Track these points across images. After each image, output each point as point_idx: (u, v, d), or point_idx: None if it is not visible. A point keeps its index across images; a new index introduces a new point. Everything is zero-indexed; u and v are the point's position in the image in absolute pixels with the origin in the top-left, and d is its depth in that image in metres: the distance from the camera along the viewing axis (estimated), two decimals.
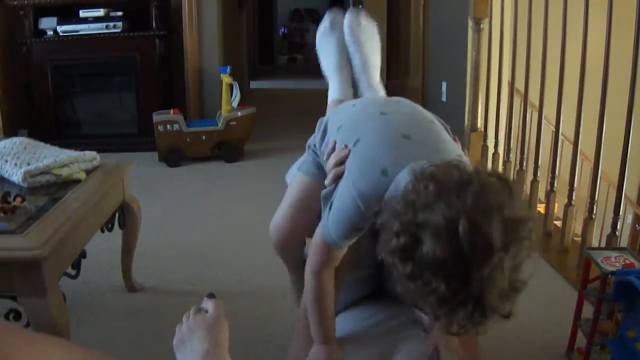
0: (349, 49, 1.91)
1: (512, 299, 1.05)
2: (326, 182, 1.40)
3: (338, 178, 1.35)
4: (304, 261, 1.51)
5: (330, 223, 1.35)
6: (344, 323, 1.65)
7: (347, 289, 1.69)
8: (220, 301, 1.28)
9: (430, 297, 1.02)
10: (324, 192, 1.41)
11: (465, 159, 1.30)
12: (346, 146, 1.36)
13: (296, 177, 1.73)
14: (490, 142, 4.06)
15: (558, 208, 3.38)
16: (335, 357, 1.51)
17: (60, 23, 4.81)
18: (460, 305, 1.01)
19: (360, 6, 8.35)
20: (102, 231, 2.36)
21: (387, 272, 1.63)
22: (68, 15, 4.84)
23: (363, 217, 1.28)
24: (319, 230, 1.42)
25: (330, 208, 1.35)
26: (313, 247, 1.45)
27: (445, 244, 0.99)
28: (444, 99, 4.80)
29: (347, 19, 1.92)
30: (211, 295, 1.30)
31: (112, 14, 4.84)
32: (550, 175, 3.25)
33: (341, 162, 1.35)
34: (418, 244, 1.01)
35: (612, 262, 1.99)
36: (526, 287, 1.07)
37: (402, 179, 1.18)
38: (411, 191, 1.06)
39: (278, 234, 1.75)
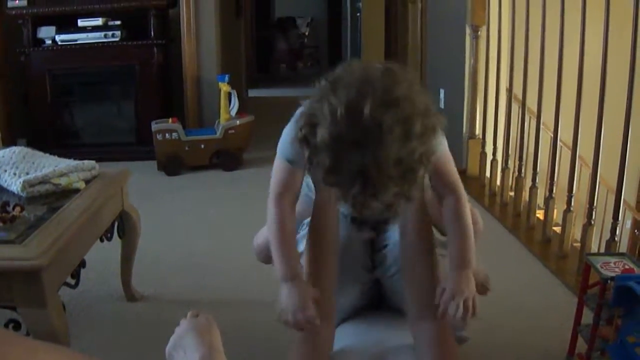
0: None
1: (405, 175, 1.17)
2: None
3: None
4: None
5: (282, 141, 1.52)
6: (341, 338, 1.65)
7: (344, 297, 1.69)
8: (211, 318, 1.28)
9: (326, 175, 1.19)
10: None
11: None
12: None
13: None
14: (489, 149, 4.07)
15: (557, 214, 3.38)
16: (308, 291, 1.47)
17: (58, 32, 4.82)
18: (350, 179, 1.16)
19: (358, 14, 8.38)
20: (102, 240, 2.36)
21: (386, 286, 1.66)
22: (66, 24, 4.85)
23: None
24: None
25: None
26: (273, 173, 1.56)
27: (329, 126, 1.16)
28: (442, 105, 4.81)
29: None
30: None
31: (111, 23, 4.85)
32: (549, 181, 3.26)
33: None
34: (314, 132, 1.19)
35: (612, 267, 1.99)
36: (421, 165, 1.19)
37: None
38: (316, 90, 1.24)
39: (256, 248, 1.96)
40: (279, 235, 1.52)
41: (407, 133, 1.15)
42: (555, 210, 3.30)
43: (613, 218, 2.73)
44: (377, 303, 1.80)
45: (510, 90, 3.74)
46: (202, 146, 4.65)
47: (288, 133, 1.47)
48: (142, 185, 4.06)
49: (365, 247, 1.68)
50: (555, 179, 3.24)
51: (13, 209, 1.98)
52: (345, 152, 1.15)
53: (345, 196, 1.20)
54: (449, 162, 1.50)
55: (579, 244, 3.01)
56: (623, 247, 3.44)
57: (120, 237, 2.53)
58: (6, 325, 1.86)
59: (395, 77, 1.20)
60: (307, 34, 11.85)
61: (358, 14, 8.45)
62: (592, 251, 3.00)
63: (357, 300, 1.76)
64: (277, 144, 1.56)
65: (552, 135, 3.22)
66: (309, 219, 1.62)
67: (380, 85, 1.17)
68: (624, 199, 2.73)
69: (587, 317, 2.11)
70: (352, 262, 1.65)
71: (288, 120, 1.50)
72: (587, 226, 2.88)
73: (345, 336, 1.65)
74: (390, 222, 1.63)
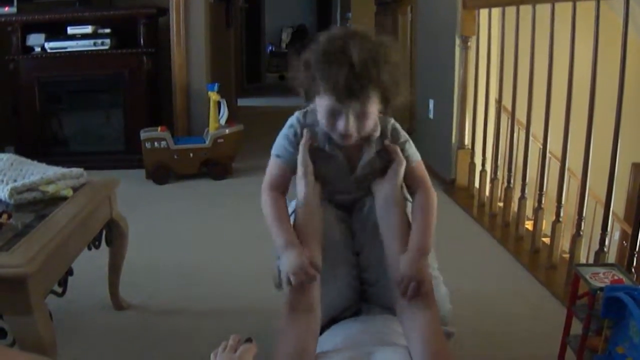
0: None
1: (379, 75, 1.53)
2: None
3: None
4: None
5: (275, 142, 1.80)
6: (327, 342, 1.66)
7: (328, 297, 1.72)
8: (253, 347, 1.29)
9: (320, 67, 1.55)
10: None
11: None
12: None
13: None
14: (478, 160, 4.08)
15: (546, 225, 3.39)
16: (304, 257, 1.60)
17: (48, 40, 4.80)
18: (339, 66, 1.50)
19: (348, 24, 8.40)
20: (89, 248, 2.34)
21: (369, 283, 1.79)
22: (56, 32, 4.83)
23: (295, 124, 1.76)
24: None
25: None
26: (267, 170, 1.80)
27: (318, 47, 1.58)
28: (431, 116, 4.82)
29: None
30: (249, 340, 1.31)
31: (100, 31, 4.84)
32: (537, 192, 3.27)
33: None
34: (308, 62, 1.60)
35: (601, 278, 1.99)
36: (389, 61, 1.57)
37: None
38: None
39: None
40: (273, 212, 1.72)
41: (378, 39, 1.59)
42: (544, 221, 3.30)
43: (602, 229, 2.73)
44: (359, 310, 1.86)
45: (499, 101, 3.76)
46: (191, 155, 4.64)
47: (281, 134, 1.78)
48: (130, 193, 4.04)
49: (346, 228, 1.84)
50: (544, 190, 3.25)
51: (0, 216, 1.96)
52: (334, 50, 1.53)
53: (335, 90, 1.52)
54: (419, 162, 1.78)
55: (567, 255, 3.02)
56: (612, 258, 3.45)
57: (108, 245, 2.52)
58: None
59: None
60: (287, 43, 11.91)
61: (347, 24, 8.47)
62: (581, 262, 3.00)
63: (344, 291, 1.80)
64: (266, 154, 1.80)
65: (541, 147, 3.23)
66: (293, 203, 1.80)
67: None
68: (612, 210, 2.74)
69: (576, 327, 2.12)
70: (335, 241, 1.78)
71: (277, 130, 1.76)
72: (576, 237, 2.89)
73: (332, 338, 1.68)
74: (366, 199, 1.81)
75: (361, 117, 1.58)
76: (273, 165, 1.80)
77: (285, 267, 1.61)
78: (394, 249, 1.68)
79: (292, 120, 1.76)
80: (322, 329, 1.73)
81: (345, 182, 1.78)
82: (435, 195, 1.74)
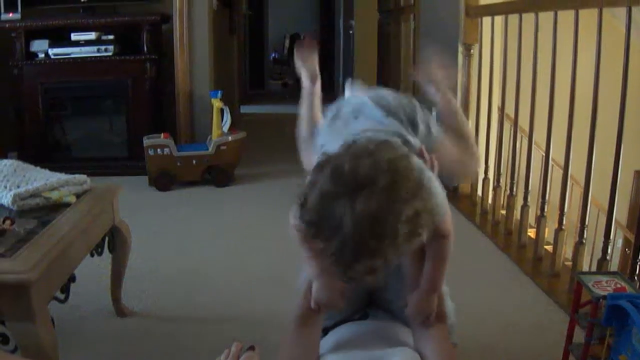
0: None
1: (382, 237, 1.16)
2: None
3: None
4: None
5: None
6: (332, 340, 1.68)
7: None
8: (256, 356, 1.29)
9: (310, 230, 1.22)
10: None
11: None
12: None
13: None
14: (481, 167, 4.08)
15: (548, 233, 3.39)
16: (335, 289, 1.58)
17: (51, 46, 4.82)
18: (330, 234, 1.18)
19: (351, 32, 8.41)
20: (92, 255, 2.35)
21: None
22: (60, 38, 4.85)
23: None
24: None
25: None
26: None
27: (318, 187, 1.20)
28: None
29: None
30: (251, 348, 1.31)
31: (104, 37, 4.85)
32: (540, 200, 3.26)
33: None
34: (305, 201, 1.22)
35: (604, 286, 1.99)
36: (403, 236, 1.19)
37: None
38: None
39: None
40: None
41: (391, 192, 1.16)
42: (546, 229, 3.30)
43: (604, 237, 2.73)
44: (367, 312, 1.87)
45: (502, 109, 3.76)
46: (194, 162, 4.64)
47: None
48: (133, 200, 4.05)
49: None
50: (547, 197, 3.24)
51: (3, 222, 1.96)
52: (328, 204, 1.18)
53: (328, 256, 1.21)
54: (446, 215, 1.50)
55: (570, 263, 3.01)
56: (614, 266, 3.44)
57: (110, 252, 2.52)
58: None
59: (389, 148, 1.25)
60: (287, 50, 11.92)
61: (350, 32, 8.48)
62: (584, 270, 3.00)
63: (351, 295, 1.78)
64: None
65: (544, 154, 3.23)
66: None
67: (368, 151, 1.22)
68: (615, 218, 2.74)
69: (579, 335, 2.11)
70: None
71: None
72: (579, 245, 2.89)
73: (337, 337, 1.70)
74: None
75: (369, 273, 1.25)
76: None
77: (316, 295, 1.60)
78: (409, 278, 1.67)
79: None
80: (327, 330, 1.75)
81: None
82: (452, 241, 1.59)
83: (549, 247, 3.23)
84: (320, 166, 1.23)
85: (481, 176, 4.06)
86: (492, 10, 3.86)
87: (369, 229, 1.15)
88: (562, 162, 3.06)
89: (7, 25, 4.78)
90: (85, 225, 2.14)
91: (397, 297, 1.73)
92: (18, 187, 2.18)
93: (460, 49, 4.17)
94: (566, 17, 2.96)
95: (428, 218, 1.21)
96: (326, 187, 1.18)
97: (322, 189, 1.19)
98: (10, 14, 4.83)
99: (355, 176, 1.17)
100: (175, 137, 4.87)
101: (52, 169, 2.43)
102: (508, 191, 3.67)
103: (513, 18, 3.55)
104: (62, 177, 2.29)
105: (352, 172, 1.17)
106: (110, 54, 4.82)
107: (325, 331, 1.74)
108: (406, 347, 1.57)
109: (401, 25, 6.03)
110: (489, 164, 3.99)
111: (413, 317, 1.63)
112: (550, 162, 3.21)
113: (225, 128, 4.69)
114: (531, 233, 3.47)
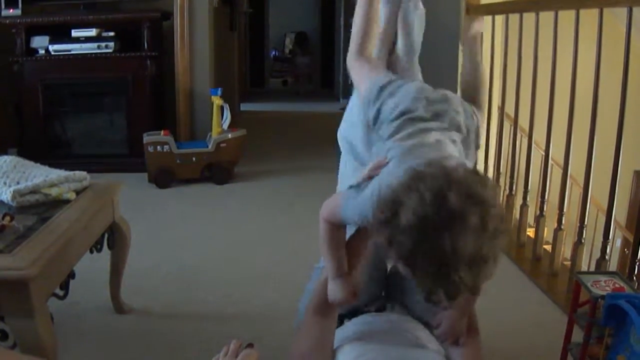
0: (400, 30, 2.16)
1: (472, 267, 1.18)
2: (360, 177, 1.52)
3: (370, 178, 1.47)
4: None
5: (351, 204, 1.49)
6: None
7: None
8: (255, 353, 1.29)
9: (405, 256, 1.19)
10: (353, 181, 1.54)
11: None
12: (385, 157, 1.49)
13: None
14: (480, 167, 4.08)
15: (548, 232, 3.39)
16: (350, 290, 1.60)
17: (52, 42, 4.81)
18: (425, 264, 1.16)
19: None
20: (91, 252, 2.35)
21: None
22: (60, 34, 4.84)
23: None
24: (339, 188, 1.78)
25: (357, 190, 1.48)
26: (331, 201, 1.59)
27: (416, 209, 1.16)
28: None
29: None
30: (250, 345, 1.32)
31: (104, 34, 4.85)
32: (539, 199, 3.26)
33: (378, 167, 1.47)
34: (397, 215, 1.18)
35: (602, 286, 1.99)
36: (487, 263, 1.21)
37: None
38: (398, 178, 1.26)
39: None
40: (329, 241, 1.62)
41: (484, 228, 1.17)
42: (545, 229, 3.30)
43: (603, 237, 2.73)
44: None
45: (502, 108, 3.76)
46: (194, 159, 4.64)
47: (362, 201, 1.45)
48: (132, 197, 4.05)
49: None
50: (546, 197, 3.25)
51: (3, 218, 1.96)
52: (428, 235, 1.15)
53: (417, 279, 1.21)
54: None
55: (569, 262, 3.02)
56: (613, 265, 3.44)
57: (110, 248, 2.52)
58: None
59: (479, 178, 1.24)
60: (290, 49, 11.93)
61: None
62: (582, 270, 3.00)
63: (369, 283, 1.86)
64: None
65: (544, 154, 3.23)
66: None
67: (463, 178, 1.21)
68: (614, 218, 2.74)
69: (577, 335, 2.11)
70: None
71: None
72: (578, 245, 2.89)
73: (354, 328, 1.72)
74: None
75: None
76: (336, 214, 1.57)
77: (332, 294, 1.61)
78: None
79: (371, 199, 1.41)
80: (342, 318, 1.77)
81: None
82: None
83: (548, 247, 3.24)
84: (413, 181, 1.21)
85: None
86: (492, 10, 3.85)
87: (473, 271, 1.18)
88: (561, 162, 3.06)
89: (7, 21, 4.78)
90: (84, 222, 2.14)
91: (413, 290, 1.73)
92: (18, 183, 2.18)
93: (461, 47, 4.16)
94: (567, 16, 2.96)
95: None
96: (423, 212, 1.16)
97: (419, 214, 1.16)
98: (11, 10, 4.83)
99: (456, 209, 1.15)
100: (175, 134, 4.87)
101: (52, 165, 2.43)
102: (507, 190, 3.67)
103: (514, 17, 3.54)
104: (62, 173, 2.30)
105: (454, 204, 1.15)
106: (110, 50, 4.82)
107: (341, 319, 1.75)
108: (429, 350, 1.60)
109: None
110: (488, 163, 3.99)
111: (443, 339, 1.65)
112: (550, 161, 3.21)
113: (225, 125, 4.69)
114: (530, 232, 3.47)
